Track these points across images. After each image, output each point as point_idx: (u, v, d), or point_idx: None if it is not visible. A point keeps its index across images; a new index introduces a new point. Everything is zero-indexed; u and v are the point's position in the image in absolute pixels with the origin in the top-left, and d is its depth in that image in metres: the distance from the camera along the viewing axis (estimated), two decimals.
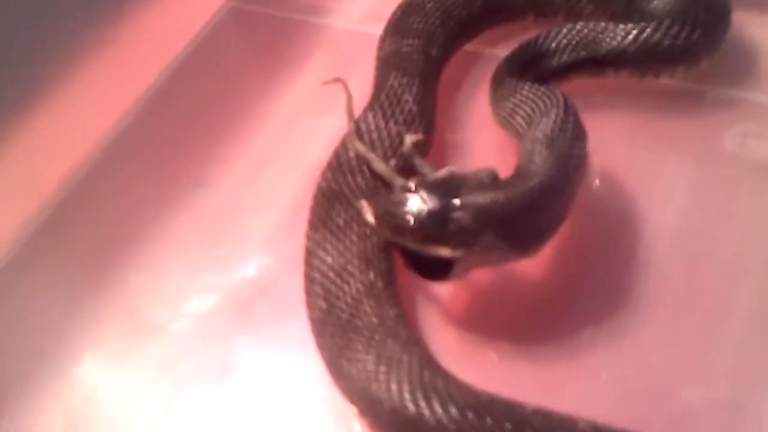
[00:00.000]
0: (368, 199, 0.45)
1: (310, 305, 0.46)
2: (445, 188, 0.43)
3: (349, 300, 0.45)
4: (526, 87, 0.52)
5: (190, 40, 0.71)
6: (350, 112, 0.53)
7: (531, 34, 0.58)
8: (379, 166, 0.49)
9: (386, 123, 0.52)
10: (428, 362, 0.41)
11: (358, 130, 0.52)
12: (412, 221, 0.42)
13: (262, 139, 0.62)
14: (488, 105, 0.57)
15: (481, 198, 0.43)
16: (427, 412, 0.38)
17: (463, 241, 0.42)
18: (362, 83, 0.58)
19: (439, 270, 0.44)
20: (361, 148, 0.50)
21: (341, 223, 0.48)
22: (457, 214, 0.42)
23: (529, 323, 0.47)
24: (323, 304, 0.45)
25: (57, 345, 0.52)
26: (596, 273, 0.49)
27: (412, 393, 0.39)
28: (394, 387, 0.39)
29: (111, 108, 0.66)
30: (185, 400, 0.48)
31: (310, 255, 0.48)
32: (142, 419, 0.48)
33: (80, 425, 0.48)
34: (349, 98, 0.53)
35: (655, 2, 0.59)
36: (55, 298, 0.55)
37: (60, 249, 0.58)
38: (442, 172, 0.45)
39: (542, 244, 0.45)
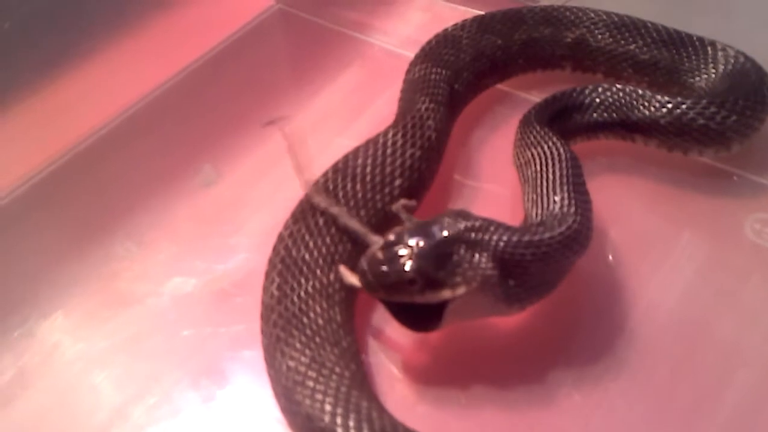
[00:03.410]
0: (345, 263, 0.45)
1: (265, 289, 0.45)
2: (428, 230, 0.42)
3: (302, 294, 0.44)
4: (550, 143, 0.51)
5: (233, 32, 0.72)
6: (296, 161, 0.50)
7: (566, 85, 0.57)
8: (350, 222, 0.47)
9: (404, 143, 0.51)
10: (359, 381, 0.40)
11: (325, 182, 0.49)
12: (410, 273, 0.40)
13: (280, 139, 0.61)
14: (502, 144, 0.56)
15: (484, 232, 0.42)
16: (339, 430, 0.37)
17: (463, 275, 0.41)
18: (390, 104, 0.58)
19: (427, 319, 0.43)
20: (324, 203, 0.47)
21: (320, 222, 0.47)
22: (453, 248, 0.41)
23: (506, 371, 0.45)
24: (276, 292, 0.44)
25: (27, 297, 0.51)
26: (583, 334, 0.47)
27: (333, 407, 0.38)
28: (318, 396, 0.39)
29: (142, 80, 0.67)
30: (142, 375, 0.47)
31: (279, 242, 0.47)
32: (94, 387, 0.46)
33: (31, 381, 0.47)
34: (292, 145, 0.50)
35: (698, 80, 0.58)
36: (37, 251, 0.54)
37: (56, 204, 0.58)
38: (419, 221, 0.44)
39: (533, 301, 0.44)
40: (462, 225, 0.42)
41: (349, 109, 0.64)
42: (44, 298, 0.51)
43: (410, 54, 0.61)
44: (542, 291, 0.44)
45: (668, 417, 0.43)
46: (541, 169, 0.50)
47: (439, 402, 0.44)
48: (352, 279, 0.44)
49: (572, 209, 0.46)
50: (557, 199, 0.47)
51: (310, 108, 0.65)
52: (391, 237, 0.42)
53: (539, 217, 0.46)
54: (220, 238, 0.55)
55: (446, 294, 0.41)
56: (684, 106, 0.53)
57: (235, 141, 0.61)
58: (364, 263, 0.42)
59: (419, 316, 0.43)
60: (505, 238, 0.42)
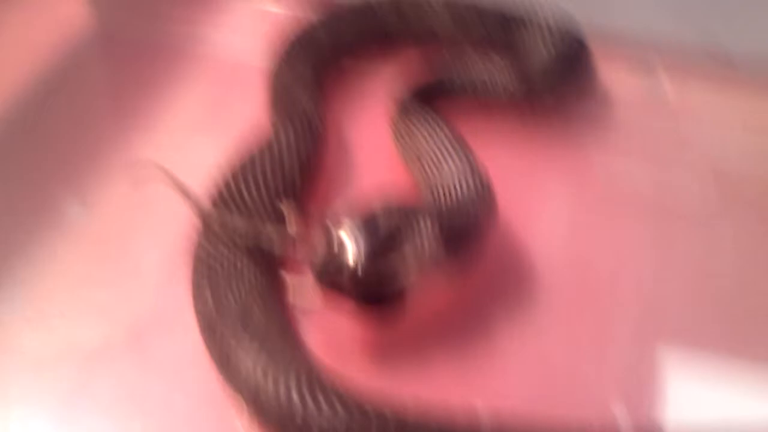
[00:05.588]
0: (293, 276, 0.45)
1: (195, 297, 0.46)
2: (366, 227, 0.43)
3: (237, 296, 0.45)
4: (427, 116, 0.55)
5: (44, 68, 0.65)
6: (183, 190, 0.48)
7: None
8: (274, 235, 0.46)
9: (296, 139, 0.54)
10: (316, 366, 0.43)
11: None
12: (357, 273, 0.42)
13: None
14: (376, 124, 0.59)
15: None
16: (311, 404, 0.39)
17: (413, 261, 0.43)
18: (241, 116, 0.58)
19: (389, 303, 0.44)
20: (227, 220, 0.48)
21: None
22: (394, 239, 0.43)
23: (432, 332, 0.48)
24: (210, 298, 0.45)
25: None
26: (497, 294, 0.51)
27: (298, 381, 0.40)
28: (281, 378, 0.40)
29: None
30: None
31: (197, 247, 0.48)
32: None
33: None
34: (182, 186, 0.47)
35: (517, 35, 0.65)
36: None
37: None
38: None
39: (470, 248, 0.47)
40: (393, 216, 0.44)
41: (198, 129, 0.61)
42: None
43: (253, 63, 0.62)
44: (464, 254, 0.47)
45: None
46: (426, 143, 0.53)
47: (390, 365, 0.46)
48: (303, 301, 0.44)
49: (469, 175, 0.50)
50: (452, 168, 0.51)
51: (155, 133, 0.61)
52: (333, 239, 0.43)
53: (439, 188, 0.50)
54: (115, 273, 0.51)
55: (399, 284, 0.43)
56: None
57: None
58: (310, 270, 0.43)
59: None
60: (432, 213, 0.45)
